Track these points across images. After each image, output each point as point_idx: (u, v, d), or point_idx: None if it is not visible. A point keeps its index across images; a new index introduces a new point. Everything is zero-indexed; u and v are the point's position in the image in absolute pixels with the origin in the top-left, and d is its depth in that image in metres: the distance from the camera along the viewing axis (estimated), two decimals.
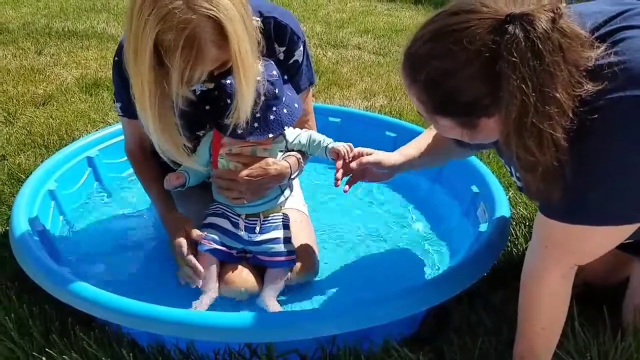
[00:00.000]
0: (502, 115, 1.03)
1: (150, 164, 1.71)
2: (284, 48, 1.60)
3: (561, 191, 1.07)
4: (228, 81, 1.47)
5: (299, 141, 1.62)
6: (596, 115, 1.01)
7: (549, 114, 0.99)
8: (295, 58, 1.63)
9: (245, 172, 1.53)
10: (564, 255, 1.18)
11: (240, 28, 1.32)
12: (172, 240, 1.57)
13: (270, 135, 1.51)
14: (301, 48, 1.63)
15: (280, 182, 1.59)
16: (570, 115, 1.01)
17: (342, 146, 1.58)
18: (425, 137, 1.67)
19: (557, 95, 0.99)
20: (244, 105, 1.42)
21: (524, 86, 0.97)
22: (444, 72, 1.05)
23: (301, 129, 1.70)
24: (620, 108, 1.01)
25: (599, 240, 1.16)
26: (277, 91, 1.49)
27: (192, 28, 1.26)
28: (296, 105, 1.55)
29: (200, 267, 1.52)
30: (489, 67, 1.00)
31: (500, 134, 1.07)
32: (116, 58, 1.56)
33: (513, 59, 0.97)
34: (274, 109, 1.50)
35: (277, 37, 1.58)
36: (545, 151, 1.02)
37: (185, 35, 1.26)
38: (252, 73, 1.39)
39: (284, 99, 1.52)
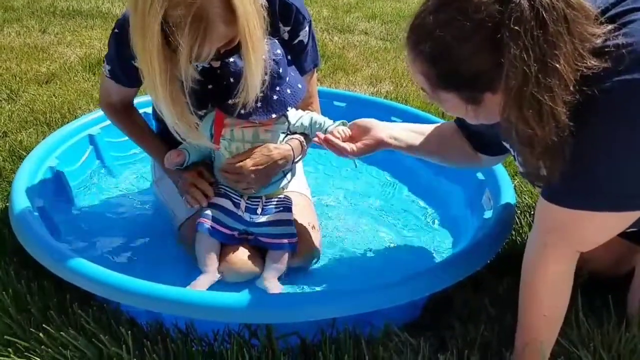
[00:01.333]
0: (503, 87, 1.00)
1: (135, 117, 1.72)
2: (288, 28, 1.58)
3: (560, 171, 1.04)
4: (231, 59, 1.45)
5: (302, 123, 1.60)
6: (601, 97, 0.99)
7: (549, 86, 0.97)
8: (300, 38, 1.60)
9: (250, 163, 1.51)
10: (564, 241, 1.17)
11: (248, 3, 1.29)
12: (182, 177, 1.57)
13: (274, 116, 1.49)
14: (306, 29, 1.60)
15: (285, 166, 1.57)
16: (572, 89, 0.99)
17: (340, 131, 1.55)
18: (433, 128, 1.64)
19: (559, 67, 0.97)
20: (253, 84, 1.40)
21: (525, 56, 0.95)
22: (448, 42, 1.03)
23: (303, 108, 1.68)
24: (625, 92, 0.99)
25: (600, 226, 1.14)
26: (281, 70, 1.47)
27: (201, 3, 1.24)
28: (300, 86, 1.52)
29: (210, 190, 1.53)
30: (493, 38, 0.98)
31: (501, 108, 1.04)
32: (116, 30, 1.53)
33: (516, 27, 0.95)
34: (278, 88, 1.47)
35: (282, 16, 1.55)
36: (544, 124, 0.99)
37: (193, 10, 1.24)
38: (260, 50, 1.37)
39: (287, 79, 1.49)
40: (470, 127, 1.54)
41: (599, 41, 1.02)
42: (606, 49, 1.01)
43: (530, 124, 0.99)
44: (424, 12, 1.07)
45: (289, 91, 1.49)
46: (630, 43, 1.00)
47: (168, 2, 1.24)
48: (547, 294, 1.22)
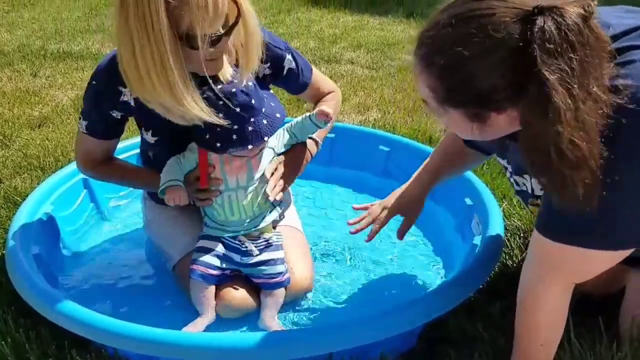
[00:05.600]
0: (532, 110, 0.95)
1: (116, 161, 1.74)
2: (268, 64, 1.63)
3: (596, 200, 0.98)
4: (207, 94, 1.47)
5: (283, 143, 1.63)
6: (608, 139, 0.97)
7: (591, 108, 0.94)
8: (287, 67, 1.68)
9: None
10: (562, 275, 1.17)
11: None
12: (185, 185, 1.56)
13: (250, 147, 1.49)
14: (288, 56, 1.67)
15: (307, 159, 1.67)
16: (603, 116, 0.96)
17: (325, 108, 1.58)
18: (438, 155, 1.69)
19: (593, 90, 0.94)
20: (252, 53, 1.47)
21: (565, 75, 0.92)
22: (463, 58, 0.98)
23: (316, 102, 1.78)
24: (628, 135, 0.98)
25: (598, 262, 1.14)
26: (253, 102, 1.48)
27: None
28: (278, 115, 1.54)
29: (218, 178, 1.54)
30: (513, 58, 0.95)
31: (528, 130, 0.99)
32: (93, 82, 1.56)
33: (549, 47, 0.92)
34: (252, 120, 1.48)
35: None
36: (593, 145, 0.95)
37: None
38: (254, 20, 1.44)
39: (263, 110, 1.51)
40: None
41: (606, 77, 0.99)
42: (613, 88, 0.99)
43: (579, 145, 0.94)
44: (439, 25, 1.02)
45: (265, 122, 1.50)
46: (630, 85, 0.99)
47: None
48: (544, 325, 1.23)
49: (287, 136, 1.65)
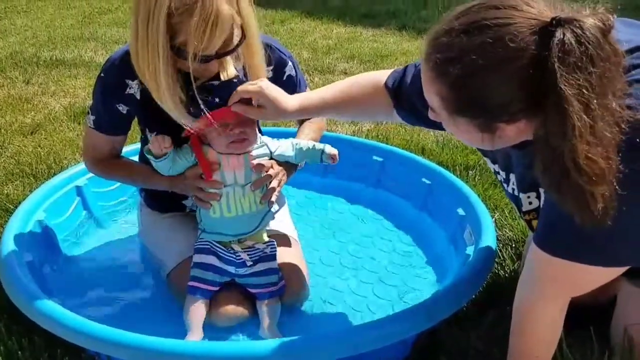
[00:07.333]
0: (549, 124, 0.93)
1: (123, 159, 1.74)
2: (271, 67, 1.65)
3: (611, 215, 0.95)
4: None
5: (283, 153, 1.64)
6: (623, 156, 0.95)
7: (609, 123, 0.92)
8: (287, 74, 1.70)
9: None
10: (560, 288, 1.17)
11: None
12: (185, 181, 1.58)
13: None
14: (290, 63, 1.70)
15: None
16: (619, 129, 0.94)
17: (336, 151, 1.65)
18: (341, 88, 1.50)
19: (611, 106, 0.92)
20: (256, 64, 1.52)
21: (584, 90, 0.90)
22: (479, 68, 0.96)
23: (302, 121, 1.78)
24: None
25: (598, 277, 1.15)
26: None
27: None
28: None
29: (219, 181, 1.55)
30: (530, 70, 0.94)
31: (543, 143, 0.96)
32: (102, 74, 1.59)
33: (569, 61, 0.90)
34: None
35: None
36: (610, 160, 0.92)
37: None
38: (256, 34, 1.48)
39: None
40: (406, 92, 1.42)
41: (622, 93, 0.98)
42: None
43: (596, 160, 0.92)
44: (454, 32, 0.99)
45: None
46: (636, 107, 0.98)
47: None
48: (541, 337, 1.24)
49: (289, 147, 1.66)
